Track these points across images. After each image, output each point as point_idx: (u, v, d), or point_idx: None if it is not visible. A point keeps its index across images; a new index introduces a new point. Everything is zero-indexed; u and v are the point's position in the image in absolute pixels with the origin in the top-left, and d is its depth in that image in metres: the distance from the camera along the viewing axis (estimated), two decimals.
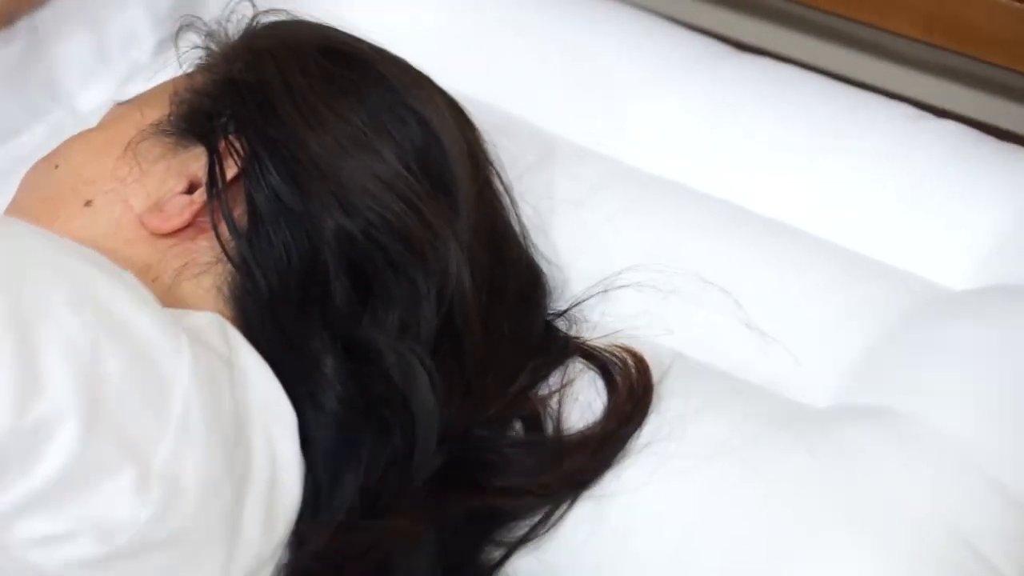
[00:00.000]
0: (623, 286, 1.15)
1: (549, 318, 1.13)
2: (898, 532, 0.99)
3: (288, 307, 1.00)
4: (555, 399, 1.07)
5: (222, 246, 1.01)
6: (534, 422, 1.06)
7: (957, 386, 1.08)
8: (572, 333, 1.13)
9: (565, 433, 1.05)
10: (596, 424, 1.06)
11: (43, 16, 1.33)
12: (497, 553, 1.03)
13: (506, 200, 1.15)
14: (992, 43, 1.32)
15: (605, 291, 1.14)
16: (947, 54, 1.35)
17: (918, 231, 1.21)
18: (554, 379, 1.09)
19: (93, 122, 1.21)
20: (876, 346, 1.12)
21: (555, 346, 1.11)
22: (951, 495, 1.01)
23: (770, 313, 1.14)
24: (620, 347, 1.10)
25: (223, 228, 1.01)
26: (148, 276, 1.01)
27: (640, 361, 1.09)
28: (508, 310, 1.08)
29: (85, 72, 1.36)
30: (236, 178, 1.03)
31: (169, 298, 1.00)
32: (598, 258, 1.18)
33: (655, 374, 1.09)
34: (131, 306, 0.89)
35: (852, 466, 1.02)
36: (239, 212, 1.02)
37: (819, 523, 1.00)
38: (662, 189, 1.25)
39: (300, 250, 1.01)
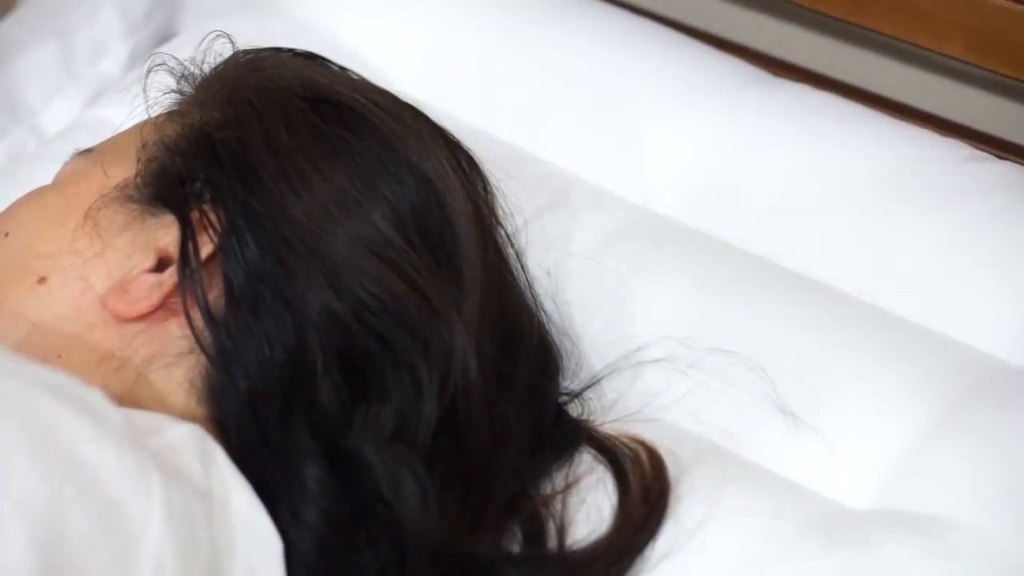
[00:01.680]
0: (641, 362, 1.04)
1: (560, 401, 1.02)
2: None
3: (270, 408, 0.89)
4: (559, 500, 0.97)
5: (195, 336, 0.90)
6: (537, 530, 0.95)
7: (1017, 490, 0.96)
8: (581, 415, 1.02)
9: (573, 547, 0.94)
10: (608, 535, 0.95)
11: (5, 24, 1.21)
12: None
13: (515, 264, 1.03)
14: None
15: (617, 371, 1.03)
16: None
17: (974, 296, 1.09)
18: (558, 473, 0.98)
19: (58, 149, 1.10)
20: (925, 436, 1.00)
21: (563, 434, 1.00)
22: None
23: (808, 395, 1.02)
24: (633, 438, 0.99)
25: (196, 315, 0.90)
26: (111, 365, 0.91)
27: (655, 457, 0.98)
28: (517, 400, 0.97)
29: (49, 86, 1.25)
30: (212, 255, 0.91)
31: (136, 392, 0.90)
32: (613, 323, 1.08)
33: (674, 468, 0.98)
34: (95, 444, 0.78)
35: None
36: (215, 295, 0.91)
37: None
38: (685, 241, 1.13)
39: (285, 340, 0.90)
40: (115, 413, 0.82)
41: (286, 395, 0.89)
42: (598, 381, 1.04)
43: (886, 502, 0.98)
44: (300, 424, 0.89)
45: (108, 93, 1.25)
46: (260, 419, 0.89)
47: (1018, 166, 1.17)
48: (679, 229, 1.15)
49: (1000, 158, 1.18)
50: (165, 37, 1.27)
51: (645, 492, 0.96)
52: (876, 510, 0.98)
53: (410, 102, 1.03)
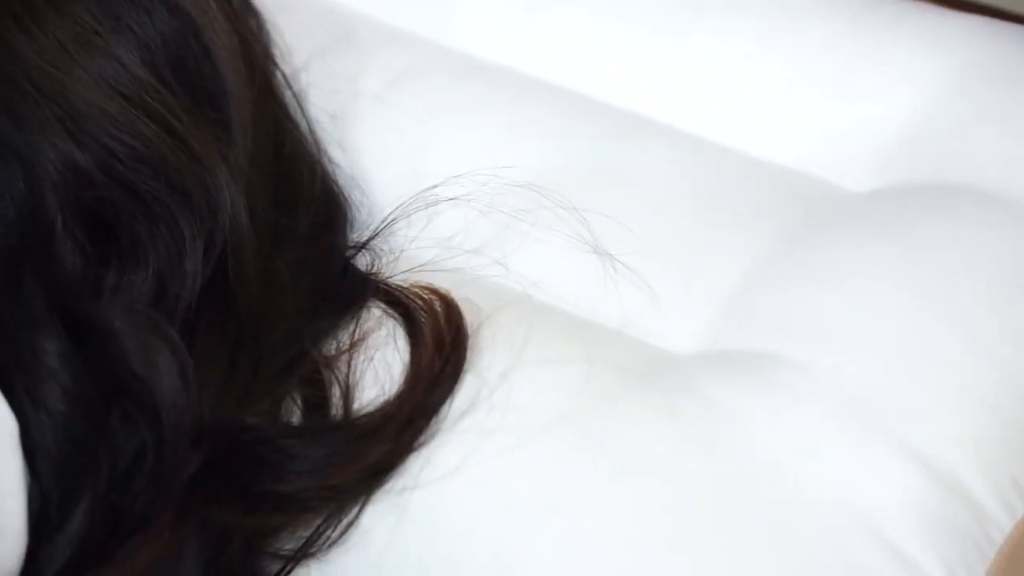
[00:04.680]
0: (436, 202, 0.94)
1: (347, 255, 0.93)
2: (779, 521, 0.81)
3: None
4: (344, 361, 0.87)
5: None
6: (319, 397, 0.86)
7: (855, 323, 0.89)
8: (371, 267, 0.93)
9: (360, 412, 0.85)
10: (398, 395, 0.85)
11: None
12: (274, 567, 0.83)
13: (294, 107, 0.94)
14: None
15: (409, 216, 0.94)
16: None
17: (810, 120, 1.02)
18: (344, 332, 0.89)
19: None
20: (756, 273, 0.92)
21: (349, 290, 0.91)
22: (848, 467, 0.83)
23: (625, 235, 0.93)
24: (426, 288, 0.90)
25: None
26: None
27: (450, 306, 0.89)
28: (296, 256, 0.88)
29: None
30: None
31: None
32: (407, 168, 0.98)
33: (473, 318, 0.88)
34: None
35: (724, 436, 0.83)
36: None
37: (683, 514, 0.81)
38: (491, 77, 1.04)
39: (15, 197, 0.80)
40: None
41: (17, 259, 0.80)
42: (387, 225, 0.94)
43: (716, 344, 0.90)
44: (35, 292, 0.79)
45: None
46: None
47: None
48: (485, 66, 1.06)
49: None
50: None
51: (439, 344, 0.86)
52: (705, 352, 0.90)
53: None
